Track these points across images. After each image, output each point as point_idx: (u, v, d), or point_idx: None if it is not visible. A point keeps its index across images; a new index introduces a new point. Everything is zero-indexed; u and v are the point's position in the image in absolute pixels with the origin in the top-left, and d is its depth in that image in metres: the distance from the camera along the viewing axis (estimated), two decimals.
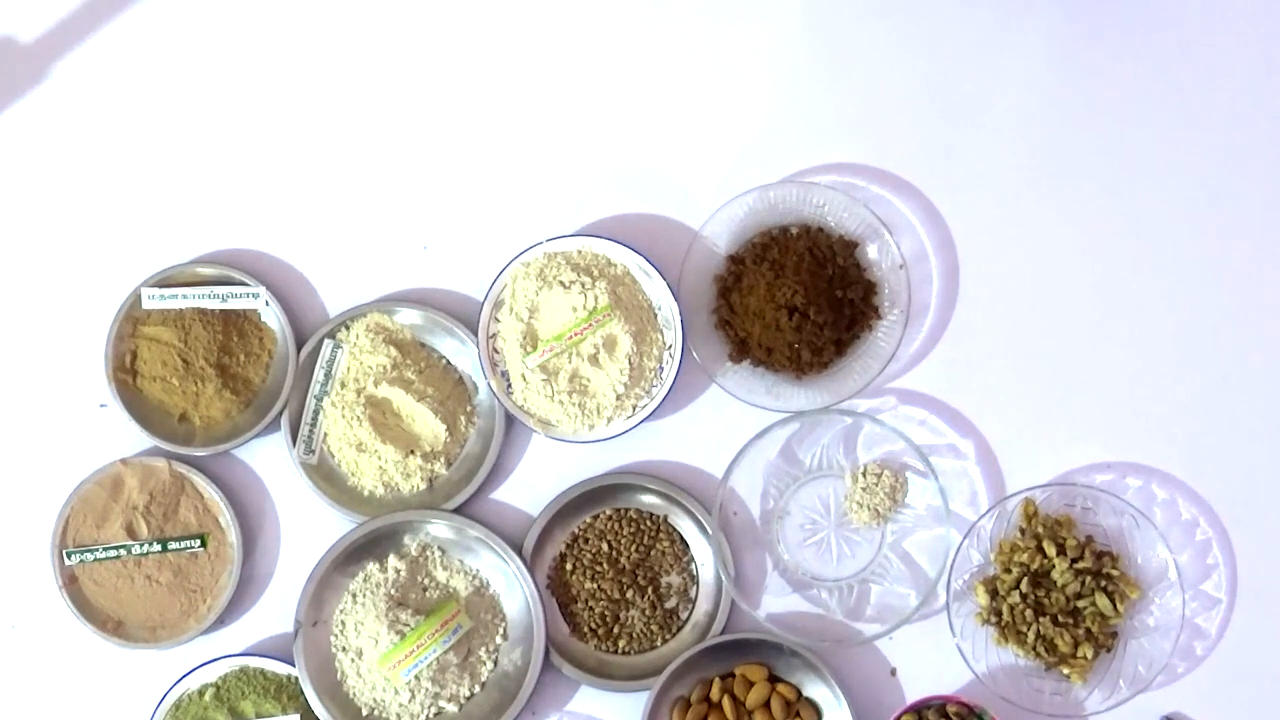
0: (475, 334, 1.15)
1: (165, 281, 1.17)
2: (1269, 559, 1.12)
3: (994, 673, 1.08)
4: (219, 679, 1.14)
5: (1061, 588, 1.09)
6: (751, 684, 1.11)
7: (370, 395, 1.15)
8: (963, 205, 1.17)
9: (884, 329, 1.14)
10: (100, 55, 1.23)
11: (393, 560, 1.14)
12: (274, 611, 1.17)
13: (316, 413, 1.16)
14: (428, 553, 1.16)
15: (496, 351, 1.15)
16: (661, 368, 1.14)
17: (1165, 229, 1.16)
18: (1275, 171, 1.16)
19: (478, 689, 1.14)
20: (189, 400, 1.16)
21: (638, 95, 1.20)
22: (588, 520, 1.16)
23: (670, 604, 1.15)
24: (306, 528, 1.17)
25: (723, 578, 1.12)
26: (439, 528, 1.15)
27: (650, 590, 1.14)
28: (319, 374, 1.16)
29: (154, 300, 1.17)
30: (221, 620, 1.15)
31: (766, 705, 1.10)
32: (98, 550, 1.14)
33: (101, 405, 1.18)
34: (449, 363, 1.19)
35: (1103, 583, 1.09)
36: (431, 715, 1.13)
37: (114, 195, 1.22)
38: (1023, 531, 1.11)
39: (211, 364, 1.16)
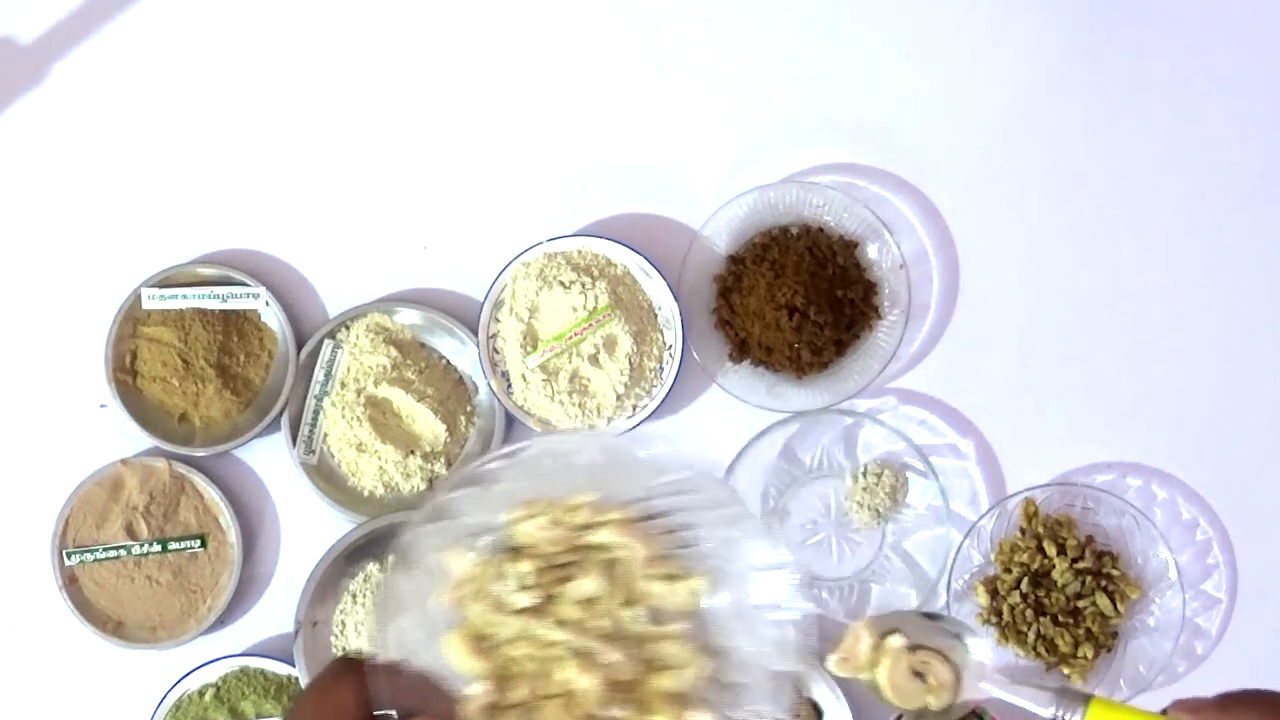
0: (475, 334, 1.15)
1: (165, 281, 1.17)
2: (1269, 559, 1.12)
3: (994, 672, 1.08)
4: (219, 679, 1.14)
5: (1062, 588, 1.09)
6: None
7: (370, 395, 1.15)
8: (963, 205, 1.17)
9: (884, 329, 1.14)
10: (100, 55, 1.23)
11: (393, 560, 1.14)
12: (274, 611, 1.17)
13: (316, 413, 1.16)
14: None
15: (496, 351, 1.15)
16: (661, 368, 1.14)
17: (1166, 229, 1.16)
18: (1276, 171, 1.16)
19: None
20: (189, 400, 1.16)
21: (637, 95, 1.20)
22: None
23: None
24: (306, 528, 1.17)
25: None
26: None
27: None
28: (319, 374, 1.16)
29: (154, 300, 1.16)
30: (221, 620, 1.15)
31: None
32: (98, 550, 1.14)
33: (101, 405, 1.18)
34: (449, 363, 1.19)
35: (1103, 583, 1.09)
36: None
37: (114, 195, 1.22)
38: (1023, 531, 1.11)
39: (211, 364, 1.16)
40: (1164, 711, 0.54)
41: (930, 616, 0.62)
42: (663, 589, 0.65)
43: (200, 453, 1.16)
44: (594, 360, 1.13)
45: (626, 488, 0.67)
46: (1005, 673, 1.08)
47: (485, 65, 1.21)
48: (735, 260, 1.16)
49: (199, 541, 1.16)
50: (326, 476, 1.16)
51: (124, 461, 1.16)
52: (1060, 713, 0.56)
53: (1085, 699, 0.55)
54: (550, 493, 0.66)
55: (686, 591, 0.65)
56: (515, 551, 0.65)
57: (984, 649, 0.61)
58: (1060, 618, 1.09)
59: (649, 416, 1.13)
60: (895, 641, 0.62)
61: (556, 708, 0.63)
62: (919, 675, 0.61)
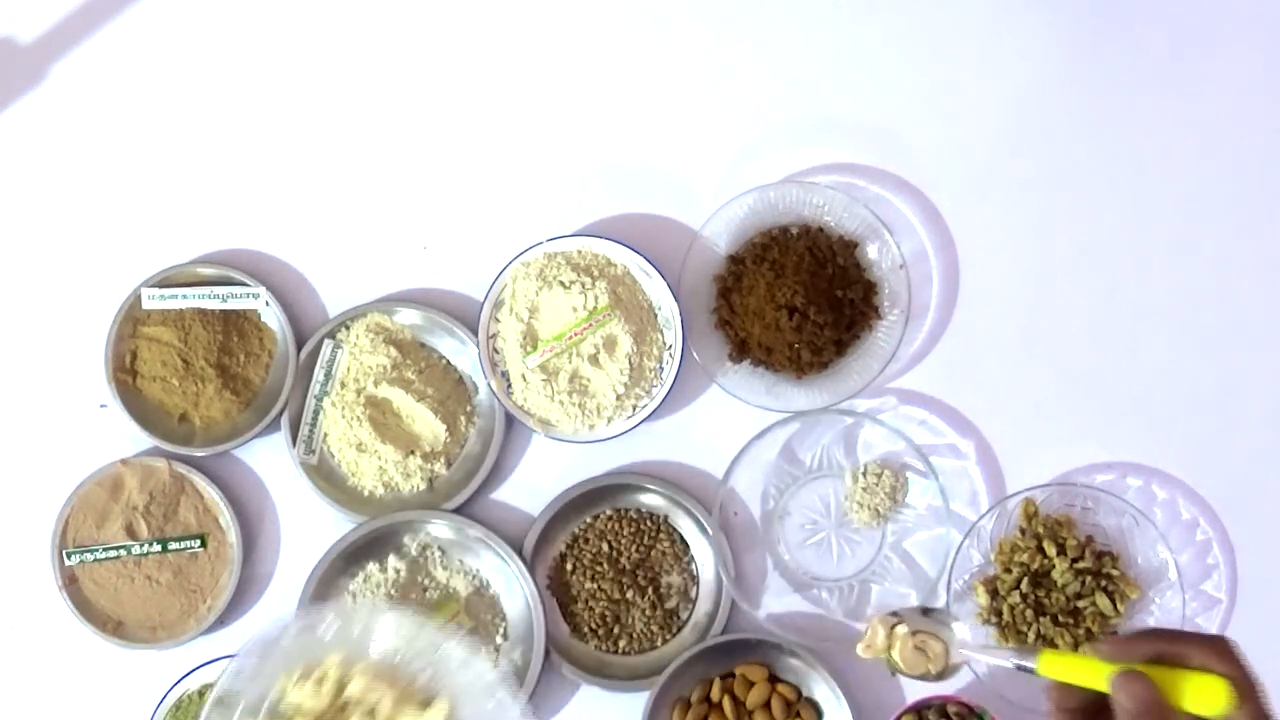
0: (475, 334, 1.15)
1: (165, 281, 1.17)
2: (1269, 559, 1.12)
3: (994, 672, 1.08)
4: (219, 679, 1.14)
5: (1062, 588, 1.09)
6: (751, 684, 1.11)
7: (370, 395, 1.15)
8: (963, 205, 1.17)
9: (884, 329, 1.14)
10: (99, 56, 1.23)
11: (393, 560, 1.14)
12: (274, 611, 1.17)
13: (316, 413, 1.16)
14: (428, 553, 1.16)
15: (496, 351, 1.15)
16: (661, 368, 1.14)
17: (1166, 229, 1.16)
18: (1276, 171, 1.16)
19: None
20: (189, 400, 1.16)
21: (638, 95, 1.20)
22: (588, 520, 1.16)
23: (670, 604, 1.15)
24: (306, 528, 1.17)
25: (723, 578, 1.12)
26: (439, 528, 1.15)
27: (650, 590, 1.14)
28: (319, 374, 1.16)
29: (154, 300, 1.17)
30: (221, 620, 1.15)
31: (767, 705, 1.10)
32: (98, 550, 1.14)
33: (101, 405, 1.18)
34: (449, 363, 1.19)
35: (1103, 583, 1.09)
36: None
37: (114, 195, 1.22)
38: (1023, 531, 1.11)
39: (211, 364, 1.16)
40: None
41: (925, 611, 0.87)
42: (416, 717, 0.85)
43: (200, 453, 1.16)
44: (594, 360, 1.13)
45: (366, 645, 0.88)
46: (1005, 673, 1.09)
47: (485, 66, 1.21)
48: (735, 260, 1.16)
49: (199, 541, 1.16)
50: (326, 476, 1.16)
51: (124, 461, 1.16)
52: (1018, 661, 0.74)
53: (1038, 649, 0.72)
54: (306, 660, 0.87)
55: (438, 714, 0.85)
56: (289, 718, 0.85)
57: (964, 630, 0.86)
58: (1060, 618, 1.09)
59: (649, 416, 1.13)
60: (902, 629, 0.86)
61: None
62: (920, 651, 0.85)
